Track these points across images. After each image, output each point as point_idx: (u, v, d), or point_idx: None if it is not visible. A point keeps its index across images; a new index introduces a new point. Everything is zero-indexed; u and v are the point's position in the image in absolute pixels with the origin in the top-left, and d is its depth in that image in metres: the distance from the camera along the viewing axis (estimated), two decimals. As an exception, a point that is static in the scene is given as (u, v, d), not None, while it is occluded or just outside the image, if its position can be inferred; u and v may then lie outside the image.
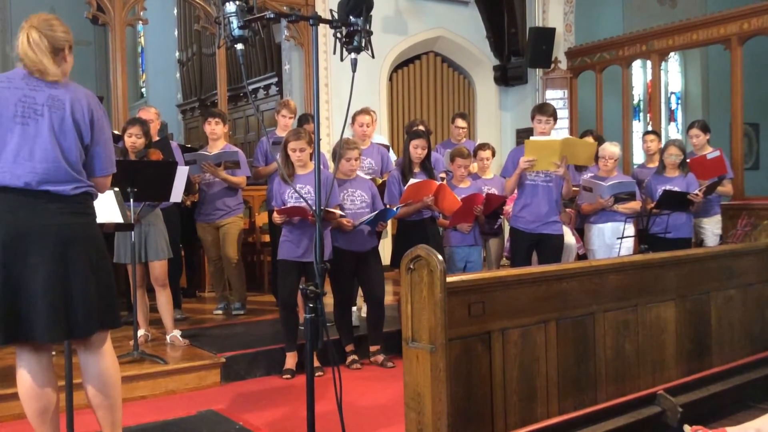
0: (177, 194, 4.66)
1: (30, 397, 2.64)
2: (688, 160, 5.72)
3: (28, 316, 2.53)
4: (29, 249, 2.53)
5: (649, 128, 10.10)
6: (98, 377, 2.73)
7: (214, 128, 5.66)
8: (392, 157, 5.80)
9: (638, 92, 12.23)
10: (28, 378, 2.64)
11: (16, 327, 2.53)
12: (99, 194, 2.81)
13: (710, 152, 5.90)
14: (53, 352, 2.81)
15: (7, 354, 4.38)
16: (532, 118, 5.06)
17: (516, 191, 5.11)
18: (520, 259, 5.02)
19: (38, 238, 2.54)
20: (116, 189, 3.66)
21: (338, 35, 2.76)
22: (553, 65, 9.03)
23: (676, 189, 5.43)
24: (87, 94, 2.70)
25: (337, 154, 3.91)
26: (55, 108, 2.58)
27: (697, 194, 5.38)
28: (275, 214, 4.37)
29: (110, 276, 2.79)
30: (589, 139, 6.02)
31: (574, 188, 5.43)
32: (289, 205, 4.33)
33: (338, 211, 4.37)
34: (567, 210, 5.67)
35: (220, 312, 5.86)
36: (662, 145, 6.45)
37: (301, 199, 4.25)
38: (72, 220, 2.61)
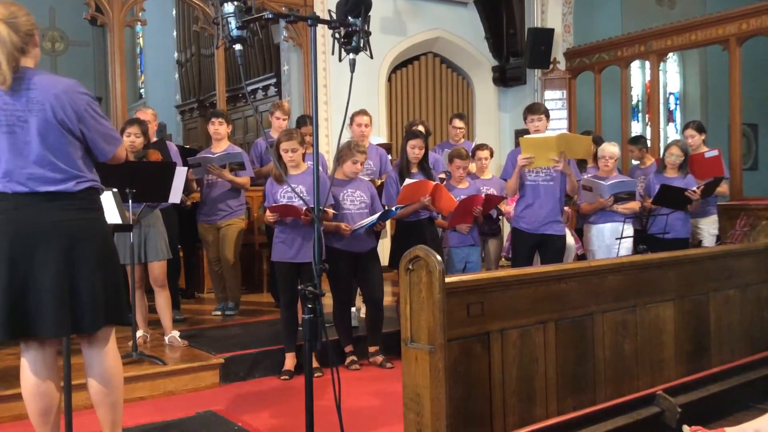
0: (175, 195, 4.66)
1: (33, 395, 2.64)
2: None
3: (35, 312, 2.54)
4: (36, 245, 2.54)
5: (648, 129, 10.13)
6: (101, 375, 2.73)
7: (218, 128, 5.68)
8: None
9: (637, 93, 12.24)
10: (32, 376, 2.64)
11: (22, 323, 2.54)
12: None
13: (708, 151, 5.92)
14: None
15: (6, 355, 4.38)
16: (525, 120, 5.09)
17: (518, 193, 5.10)
18: (521, 260, 5.01)
19: (44, 235, 2.55)
20: (115, 190, 3.66)
21: (337, 36, 2.76)
22: (551, 66, 9.03)
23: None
24: (67, 87, 2.60)
25: (342, 155, 3.89)
26: (37, 111, 2.53)
27: (694, 191, 5.39)
28: (267, 213, 4.38)
29: (118, 272, 2.80)
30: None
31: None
32: (280, 204, 4.34)
33: (330, 210, 4.38)
34: (566, 209, 5.67)
35: (218, 313, 5.86)
36: (645, 150, 6.51)
37: (293, 199, 4.27)
38: (78, 216, 2.62)
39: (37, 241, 2.54)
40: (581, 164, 6.09)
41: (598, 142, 6.04)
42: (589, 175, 5.75)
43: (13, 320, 2.53)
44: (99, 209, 2.75)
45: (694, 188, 5.43)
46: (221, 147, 5.68)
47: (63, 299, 2.55)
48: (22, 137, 2.53)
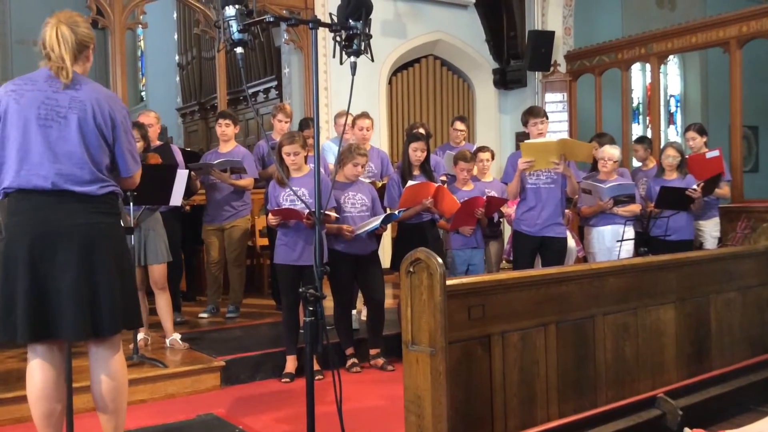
0: (176, 198, 4.66)
1: (39, 398, 2.64)
2: (686, 157, 5.73)
3: (55, 314, 2.56)
4: (57, 248, 2.56)
5: (649, 131, 10.14)
6: (106, 381, 2.73)
7: (225, 130, 5.70)
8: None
9: (637, 95, 12.24)
10: (40, 379, 2.64)
11: (43, 324, 2.56)
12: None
13: (709, 152, 5.91)
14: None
15: (7, 357, 4.38)
16: (525, 124, 5.08)
17: (519, 196, 5.10)
18: (523, 262, 5.01)
19: (66, 237, 2.57)
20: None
21: (338, 39, 2.77)
22: (552, 68, 9.03)
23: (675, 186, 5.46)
24: (108, 96, 2.72)
25: (343, 158, 3.89)
26: (77, 110, 2.60)
27: (695, 189, 5.39)
28: (270, 216, 4.39)
29: (133, 276, 2.86)
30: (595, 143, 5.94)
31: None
32: (283, 207, 4.34)
33: (333, 213, 4.38)
34: (566, 211, 5.67)
35: (205, 315, 5.82)
36: (650, 151, 6.49)
37: (296, 202, 4.27)
38: (99, 220, 2.65)
39: (58, 243, 2.56)
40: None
41: (601, 143, 5.96)
42: (585, 175, 5.74)
43: (35, 322, 2.54)
44: (118, 214, 2.79)
45: (694, 186, 5.43)
46: (228, 148, 5.69)
47: (83, 302, 2.57)
48: (57, 132, 2.58)
